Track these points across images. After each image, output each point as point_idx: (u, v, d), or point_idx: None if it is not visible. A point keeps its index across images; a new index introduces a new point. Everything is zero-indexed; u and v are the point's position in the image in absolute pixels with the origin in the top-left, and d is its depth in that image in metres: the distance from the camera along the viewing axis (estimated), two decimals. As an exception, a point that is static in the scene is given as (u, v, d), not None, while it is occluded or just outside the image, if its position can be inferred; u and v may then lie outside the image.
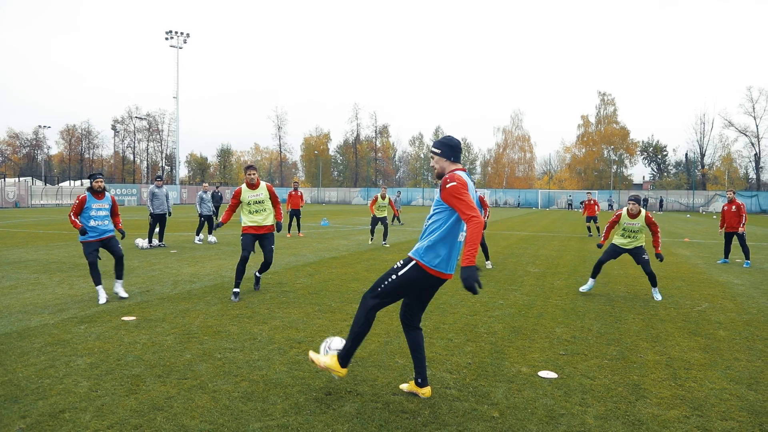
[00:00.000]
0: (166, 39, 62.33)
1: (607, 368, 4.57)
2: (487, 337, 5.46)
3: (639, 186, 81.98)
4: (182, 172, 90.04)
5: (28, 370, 4.28)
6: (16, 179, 58.07)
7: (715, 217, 41.47)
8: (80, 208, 6.96)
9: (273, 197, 7.37)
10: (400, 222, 25.31)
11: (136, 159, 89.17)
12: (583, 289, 8.06)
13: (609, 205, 58.51)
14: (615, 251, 7.88)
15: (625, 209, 7.91)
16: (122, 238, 7.65)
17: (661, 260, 7.77)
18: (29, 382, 4.03)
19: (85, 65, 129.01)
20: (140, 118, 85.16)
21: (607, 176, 76.01)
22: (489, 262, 10.72)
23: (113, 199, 7.33)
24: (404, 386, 3.99)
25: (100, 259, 7.10)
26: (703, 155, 75.97)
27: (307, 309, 6.59)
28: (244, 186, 7.29)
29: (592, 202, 19.88)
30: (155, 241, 13.61)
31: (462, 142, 4.06)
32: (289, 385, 4.04)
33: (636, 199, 7.79)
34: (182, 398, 3.75)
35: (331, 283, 8.56)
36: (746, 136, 70.74)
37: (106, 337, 5.22)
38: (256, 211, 7.21)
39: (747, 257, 11.73)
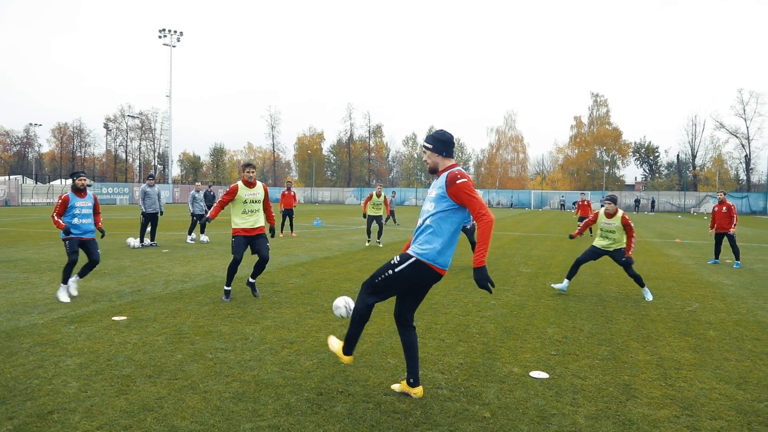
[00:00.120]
0: (160, 37, 62.07)
1: (598, 368, 4.59)
2: (479, 338, 5.47)
3: (631, 187, 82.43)
4: (175, 171, 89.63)
5: (16, 370, 4.24)
6: (7, 177, 57.62)
7: (706, 218, 41.81)
8: (64, 208, 6.93)
9: (267, 199, 7.27)
10: (395, 222, 25.31)
11: (128, 158, 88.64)
12: (556, 286, 7.98)
13: (602, 205, 58.72)
14: (594, 253, 7.89)
15: (602, 209, 7.94)
16: (102, 236, 7.59)
17: (629, 264, 7.64)
18: (17, 382, 3.99)
19: (79, 64, 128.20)
20: (133, 117, 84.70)
21: (600, 177, 76.39)
22: None
23: (95, 197, 7.35)
24: (396, 386, 3.98)
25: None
26: (694, 156, 76.56)
27: (299, 309, 6.57)
28: (241, 183, 7.03)
29: (585, 203, 19.94)
30: (147, 241, 13.55)
31: (455, 140, 4.01)
32: (281, 385, 4.02)
33: (612, 199, 7.81)
34: (173, 399, 3.73)
35: (323, 283, 8.54)
36: (737, 137, 71.40)
37: (96, 337, 5.18)
38: (251, 212, 6.95)
39: (737, 258, 11.83)
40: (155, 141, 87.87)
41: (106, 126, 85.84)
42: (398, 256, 3.71)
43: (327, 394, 3.88)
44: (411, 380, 3.85)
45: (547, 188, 76.52)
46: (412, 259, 3.62)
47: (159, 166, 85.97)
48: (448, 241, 3.59)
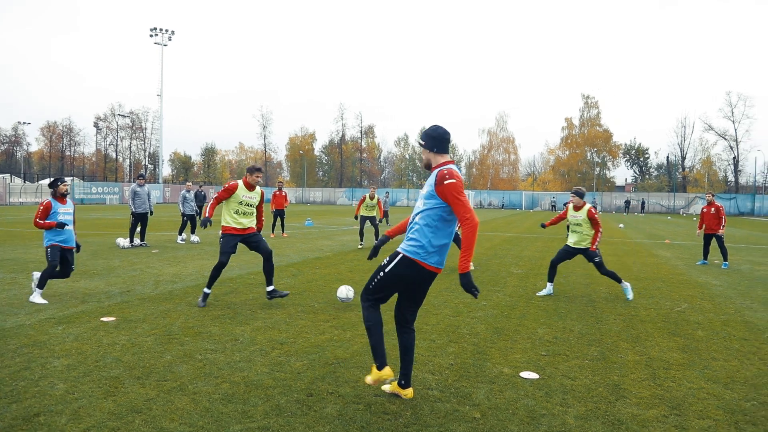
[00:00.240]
0: (151, 36, 61.70)
1: (587, 369, 4.61)
2: (470, 338, 5.48)
3: (621, 188, 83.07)
4: (165, 170, 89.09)
5: (1, 372, 4.19)
6: (-6, 177, 56.96)
7: (695, 218, 42.18)
8: (46, 214, 6.75)
9: (261, 204, 7.07)
10: (387, 223, 25.29)
11: (118, 157, 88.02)
12: (540, 293, 7.94)
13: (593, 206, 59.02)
14: (567, 252, 7.92)
15: (571, 203, 8.02)
16: (77, 251, 7.27)
17: (600, 263, 7.69)
18: (2, 384, 3.93)
19: (70, 63, 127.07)
20: (123, 116, 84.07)
21: (590, 178, 76.83)
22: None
23: (74, 204, 7.25)
24: (386, 387, 3.97)
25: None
26: (683, 158, 77.26)
27: (289, 310, 6.55)
28: (241, 183, 6.81)
29: None
30: (137, 241, 13.44)
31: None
32: (271, 386, 4.00)
33: (577, 193, 7.87)
34: (161, 400, 3.70)
35: (314, 283, 8.52)
36: (725, 139, 72.15)
37: (84, 338, 5.13)
38: (244, 214, 6.75)
39: (725, 258, 11.94)
40: (146, 140, 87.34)
41: (96, 125, 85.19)
42: (388, 257, 3.71)
43: (317, 395, 3.86)
44: (402, 381, 3.85)
45: (538, 189, 76.86)
46: (399, 256, 3.61)
47: (149, 166, 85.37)
48: (436, 238, 3.55)
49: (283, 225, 17.64)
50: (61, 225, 6.77)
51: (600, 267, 7.74)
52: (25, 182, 62.07)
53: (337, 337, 5.38)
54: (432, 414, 3.60)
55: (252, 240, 6.82)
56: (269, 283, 6.81)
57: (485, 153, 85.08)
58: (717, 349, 5.31)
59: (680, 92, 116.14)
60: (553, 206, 60.91)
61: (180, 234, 14.94)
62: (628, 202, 59.81)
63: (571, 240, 7.93)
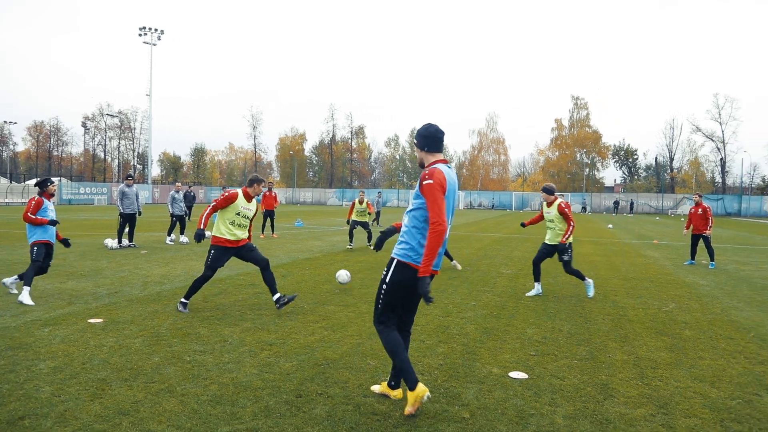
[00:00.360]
0: (140, 35, 61.16)
1: (576, 368, 4.63)
2: (459, 339, 5.49)
3: (611, 189, 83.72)
4: (155, 171, 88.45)
5: (-13, 374, 4.13)
6: (-20, 177, 56.24)
7: (683, 219, 42.59)
8: (38, 209, 6.90)
9: (254, 217, 6.91)
10: (378, 224, 25.26)
11: (107, 157, 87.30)
12: (529, 294, 7.98)
13: (582, 207, 59.48)
14: (546, 249, 7.98)
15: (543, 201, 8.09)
16: (67, 246, 7.50)
17: (562, 253, 7.73)
18: (-12, 387, 3.88)
19: (60, 61, 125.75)
20: (112, 116, 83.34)
21: (580, 179, 77.37)
22: (454, 261, 10.71)
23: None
24: (376, 388, 3.97)
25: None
26: (672, 159, 78.07)
27: (279, 310, 6.52)
28: (241, 193, 6.55)
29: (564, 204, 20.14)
30: (125, 242, 13.33)
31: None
32: (259, 387, 3.98)
33: (546, 190, 7.97)
34: (149, 402, 3.67)
35: (304, 284, 8.50)
36: (713, 141, 73.00)
37: (71, 340, 5.08)
38: (240, 225, 6.49)
39: (712, 259, 12.06)
40: (135, 140, 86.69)
41: (84, 125, 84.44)
42: (385, 268, 3.67)
43: (306, 396, 3.85)
44: (392, 383, 3.84)
45: (528, 190, 77.22)
46: (394, 262, 3.59)
47: (138, 166, 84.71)
48: (425, 239, 3.48)
49: (273, 225, 17.57)
50: (54, 222, 6.93)
51: (566, 266, 7.79)
52: (11, 182, 61.38)
53: (326, 338, 5.37)
54: (421, 414, 3.60)
55: (244, 251, 6.57)
56: (274, 292, 6.49)
57: (475, 154, 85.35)
58: (704, 348, 5.36)
59: (669, 94, 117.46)
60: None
61: (169, 235, 14.84)
62: (617, 203, 60.28)
63: (548, 237, 8.03)
